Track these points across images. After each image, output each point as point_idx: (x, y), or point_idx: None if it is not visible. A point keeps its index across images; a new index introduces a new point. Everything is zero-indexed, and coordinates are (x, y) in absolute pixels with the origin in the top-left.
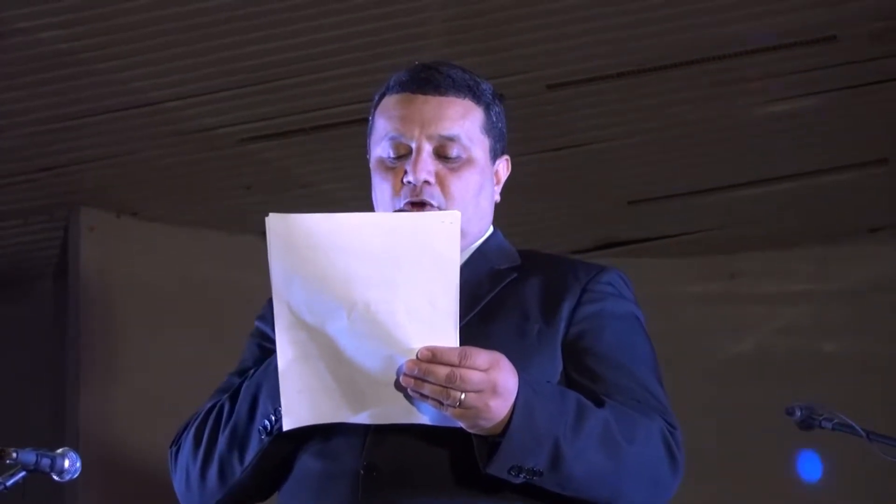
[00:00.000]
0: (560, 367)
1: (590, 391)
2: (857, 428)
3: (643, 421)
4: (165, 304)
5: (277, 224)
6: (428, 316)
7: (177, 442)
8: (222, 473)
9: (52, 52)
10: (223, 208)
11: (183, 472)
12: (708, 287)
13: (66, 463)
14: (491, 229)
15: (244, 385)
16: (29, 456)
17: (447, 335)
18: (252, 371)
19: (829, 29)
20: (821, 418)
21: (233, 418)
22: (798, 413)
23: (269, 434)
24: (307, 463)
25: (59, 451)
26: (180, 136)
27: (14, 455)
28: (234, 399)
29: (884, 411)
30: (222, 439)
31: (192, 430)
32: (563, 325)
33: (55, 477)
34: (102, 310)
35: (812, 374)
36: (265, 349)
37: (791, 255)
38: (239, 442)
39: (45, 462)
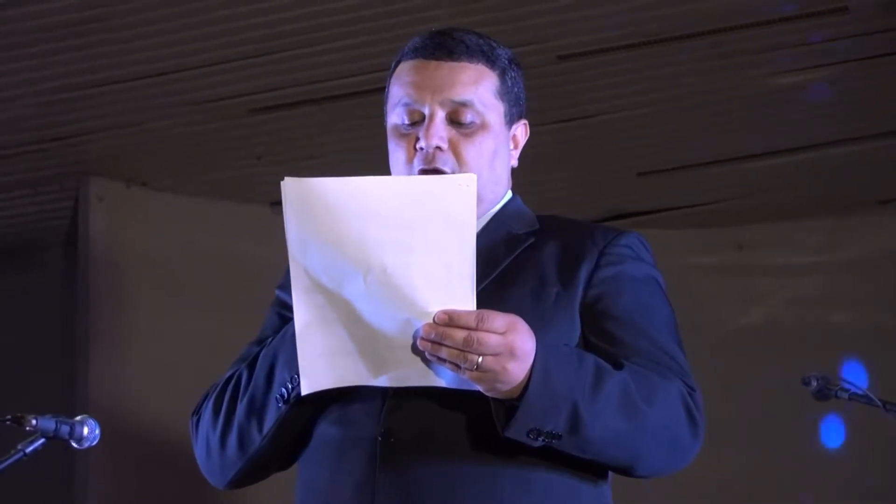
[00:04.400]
0: (578, 331)
1: (608, 354)
2: (873, 398)
3: (662, 383)
4: (174, 274)
5: (293, 188)
6: (444, 279)
7: (197, 412)
8: (242, 442)
9: (61, 21)
10: (232, 178)
11: (203, 442)
12: (717, 258)
13: (86, 430)
14: (509, 195)
15: (261, 354)
16: (48, 423)
17: (464, 298)
18: (270, 339)
19: (839, 0)
20: (836, 389)
21: (250, 387)
22: (814, 383)
23: (286, 402)
24: (325, 430)
25: (78, 418)
26: (190, 106)
27: (34, 422)
28: (251, 368)
29: (893, 382)
30: (241, 408)
31: (212, 399)
32: (581, 288)
33: (74, 444)
34: (111, 280)
35: (821, 346)
36: (285, 318)
37: (800, 227)
38: (257, 411)
39: (65, 429)
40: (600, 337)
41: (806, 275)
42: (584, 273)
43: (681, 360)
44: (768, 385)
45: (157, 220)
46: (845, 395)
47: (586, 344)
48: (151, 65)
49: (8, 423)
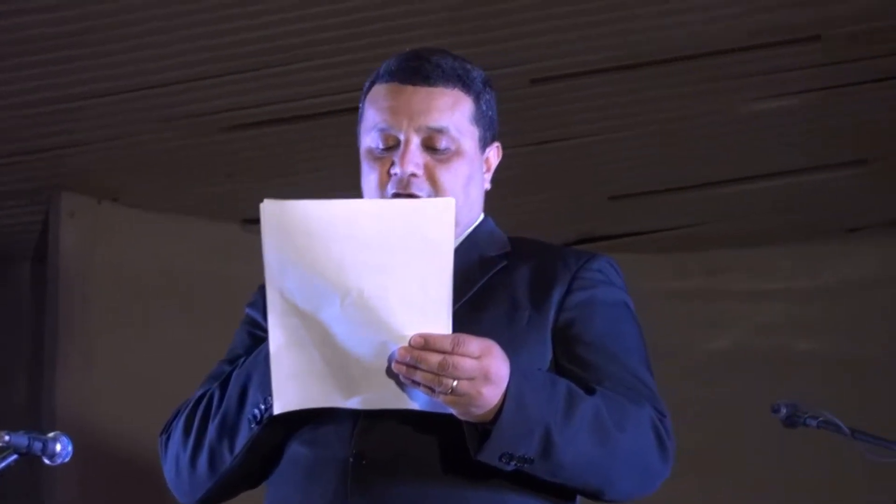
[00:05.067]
0: (550, 355)
1: (579, 378)
2: (842, 426)
3: (633, 409)
4: (145, 291)
5: (272, 210)
6: (421, 303)
7: (166, 430)
8: (212, 462)
9: (36, 35)
10: (205, 195)
11: (173, 461)
12: (686, 283)
13: (58, 447)
14: (482, 216)
15: (234, 374)
16: (21, 439)
17: (440, 322)
18: (242, 359)
19: (813, 29)
20: (806, 416)
21: (223, 407)
22: (783, 410)
23: (258, 423)
24: (296, 450)
25: (51, 434)
26: (164, 123)
27: (6, 438)
28: (223, 388)
29: (860, 410)
30: (212, 428)
31: (182, 418)
32: (552, 312)
33: (46, 460)
34: (81, 295)
35: (789, 373)
36: (255, 336)
37: (769, 253)
38: (229, 431)
39: (38, 445)
40: (572, 361)
41: (775, 301)
42: (556, 297)
43: (651, 385)
44: (736, 410)
45: (127, 236)
46: (814, 423)
47: (558, 367)
48: (126, 80)
49: None
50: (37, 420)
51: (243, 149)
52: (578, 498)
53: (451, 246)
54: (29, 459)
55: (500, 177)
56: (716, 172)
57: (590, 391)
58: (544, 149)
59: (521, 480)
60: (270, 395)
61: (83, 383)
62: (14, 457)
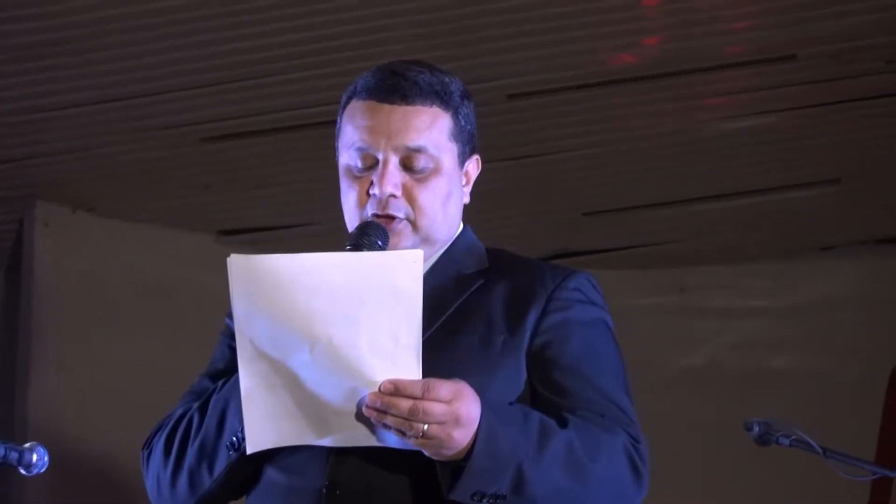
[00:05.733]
0: (524, 378)
1: (553, 404)
2: (814, 445)
3: (607, 438)
4: (119, 301)
5: (239, 265)
6: (391, 351)
7: (148, 445)
8: (192, 484)
9: (11, 45)
10: (180, 206)
11: (154, 478)
12: (659, 300)
13: (34, 457)
14: (461, 227)
15: (213, 399)
16: None
17: (410, 368)
18: (222, 381)
19: (788, 48)
20: (778, 434)
21: (202, 432)
22: (756, 429)
23: (235, 450)
24: (273, 477)
25: (27, 445)
26: (140, 133)
27: None
28: (203, 410)
29: (833, 428)
30: (191, 452)
31: (163, 438)
32: (528, 335)
33: (22, 470)
34: (54, 305)
35: (762, 390)
36: (234, 349)
37: (743, 271)
38: (208, 456)
39: (14, 456)
40: (546, 386)
41: (748, 319)
42: (531, 320)
43: (627, 408)
44: (708, 427)
45: (102, 246)
46: (786, 442)
47: (532, 391)
48: (102, 90)
49: None
50: (9, 429)
51: (219, 160)
52: None
53: (420, 294)
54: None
55: (476, 191)
56: (690, 190)
57: (562, 422)
58: (520, 164)
59: None
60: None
61: (56, 392)
62: None
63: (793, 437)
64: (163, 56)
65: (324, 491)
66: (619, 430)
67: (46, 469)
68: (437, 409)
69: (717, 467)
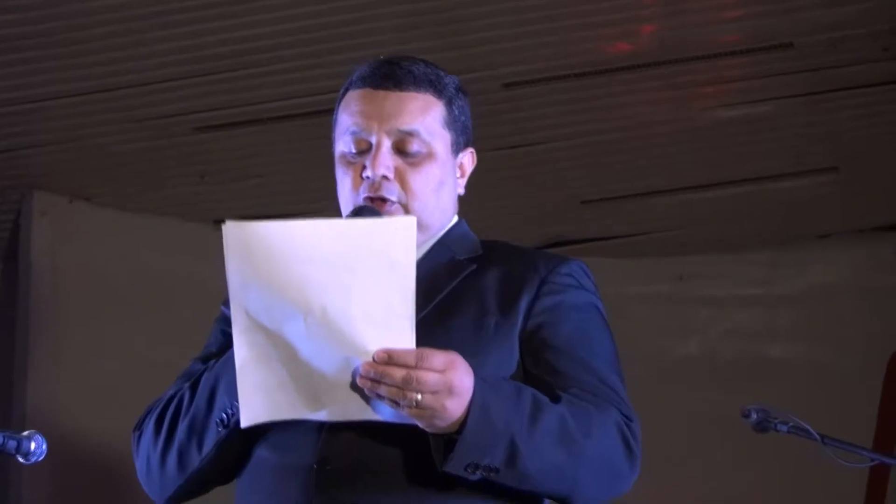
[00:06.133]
0: (517, 360)
1: (546, 384)
2: (812, 431)
3: (599, 414)
4: (116, 291)
5: (234, 232)
6: (384, 319)
7: (139, 427)
8: (181, 462)
9: (8, 35)
10: (177, 196)
11: (144, 459)
12: (657, 288)
13: (33, 445)
14: (455, 219)
15: (204, 376)
16: None
17: (404, 337)
18: (213, 361)
19: (786, 36)
20: (776, 421)
21: (192, 409)
22: (754, 416)
23: (225, 426)
24: (263, 455)
25: (26, 433)
26: (136, 123)
27: None
28: (193, 389)
29: (829, 416)
30: (181, 429)
31: (154, 417)
32: (521, 317)
33: (20, 459)
34: (52, 295)
35: (758, 378)
36: (228, 335)
37: (740, 259)
38: (198, 432)
39: (12, 444)
40: (539, 367)
41: (745, 307)
42: (524, 303)
43: (619, 389)
44: (705, 416)
45: (99, 236)
46: (784, 429)
47: (525, 373)
48: (98, 80)
49: None
50: (7, 419)
51: (214, 150)
52: (546, 502)
53: (413, 262)
54: None
55: (472, 180)
56: (687, 178)
57: (555, 398)
58: (516, 152)
59: (486, 489)
60: (237, 399)
61: (54, 382)
62: None
63: (791, 423)
64: (156, 46)
65: (315, 467)
66: (611, 409)
67: (45, 460)
68: (430, 378)
69: (714, 455)
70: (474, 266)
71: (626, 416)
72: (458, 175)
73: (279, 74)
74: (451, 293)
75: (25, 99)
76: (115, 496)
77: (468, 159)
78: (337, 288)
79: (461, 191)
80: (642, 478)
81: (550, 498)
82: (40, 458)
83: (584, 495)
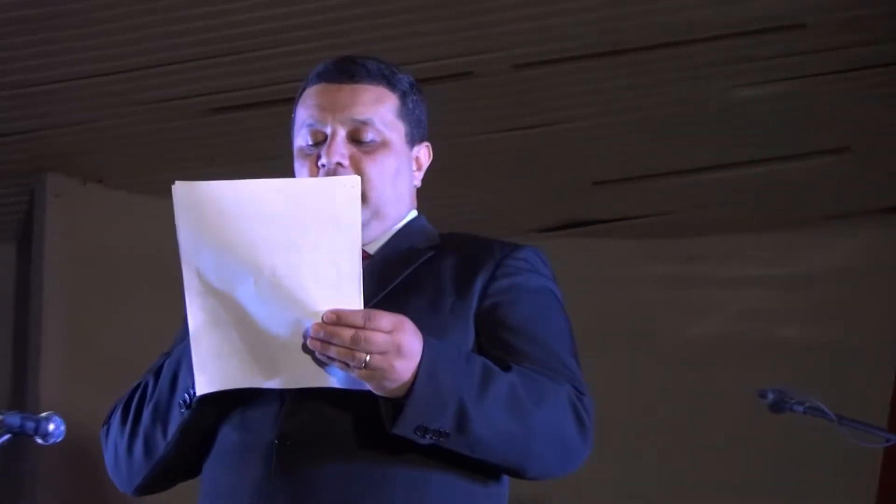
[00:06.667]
0: (472, 340)
1: (501, 361)
2: (828, 412)
3: (550, 385)
4: (129, 273)
5: (183, 192)
6: (333, 279)
7: (107, 421)
8: (147, 448)
9: (19, 17)
10: (189, 178)
11: (112, 449)
12: (668, 269)
13: (51, 426)
14: (414, 213)
15: (166, 362)
16: (13, 419)
17: (352, 298)
18: (175, 349)
19: (799, 16)
20: (792, 402)
21: (155, 394)
22: (770, 396)
23: (188, 407)
24: (227, 435)
25: (44, 414)
26: (147, 105)
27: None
28: (157, 376)
29: (843, 396)
30: (146, 415)
31: (121, 407)
32: (476, 298)
33: (39, 440)
34: (66, 277)
35: (770, 359)
36: None
37: (752, 240)
38: (162, 416)
39: (30, 425)
40: (494, 345)
41: (757, 288)
42: (479, 283)
43: (572, 366)
44: (717, 396)
45: (112, 218)
46: (800, 409)
47: (481, 352)
48: (110, 62)
49: None
50: (21, 401)
51: (226, 132)
52: (505, 479)
53: (359, 221)
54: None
55: (484, 161)
56: (699, 159)
57: (507, 369)
58: (528, 134)
59: (444, 458)
60: None
61: (68, 365)
62: (7, 436)
63: (807, 404)
64: (168, 27)
65: (275, 442)
66: (563, 381)
67: (60, 443)
68: (378, 338)
69: (726, 436)
70: (432, 253)
71: (577, 390)
72: (415, 168)
73: (292, 56)
74: (408, 277)
75: (38, 81)
76: None
77: (424, 153)
78: (286, 248)
79: (418, 183)
80: (653, 456)
81: (505, 471)
82: (58, 440)
83: (536, 466)
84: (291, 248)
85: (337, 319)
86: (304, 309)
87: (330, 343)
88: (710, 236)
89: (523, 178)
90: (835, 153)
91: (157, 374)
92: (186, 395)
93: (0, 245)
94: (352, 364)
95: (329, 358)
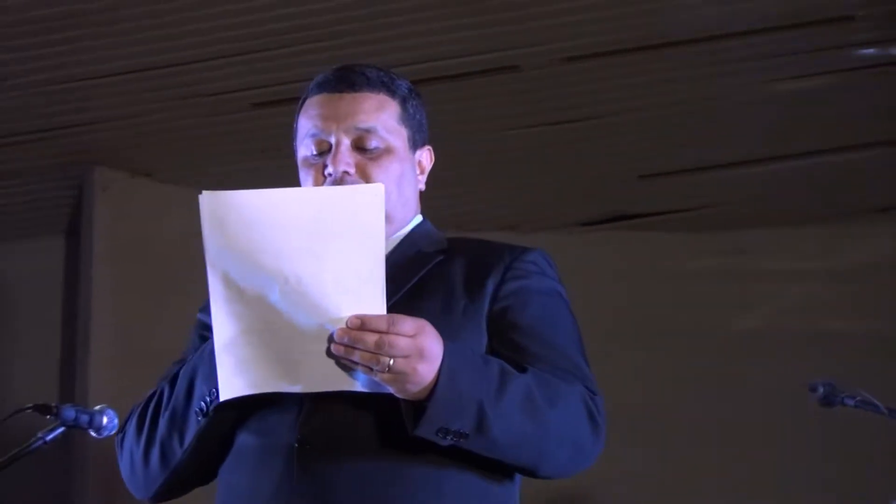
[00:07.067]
0: (485, 342)
1: (513, 362)
2: (879, 405)
3: (564, 386)
4: (176, 265)
5: (209, 201)
6: (356, 285)
7: (122, 429)
8: (164, 456)
9: (68, 11)
10: (235, 171)
11: (128, 458)
12: (716, 262)
13: (105, 420)
14: (419, 218)
15: (181, 371)
16: (69, 412)
17: (375, 303)
18: (189, 356)
19: (846, 9)
20: (843, 395)
21: (171, 402)
22: (821, 389)
23: (205, 414)
24: (245, 440)
25: (98, 407)
26: (195, 99)
27: (55, 410)
28: (172, 384)
29: (886, 389)
30: (162, 423)
31: (136, 416)
32: (487, 300)
33: (92, 433)
34: (114, 269)
35: (819, 352)
36: (205, 339)
37: (800, 233)
38: (178, 425)
39: (84, 418)
40: (506, 346)
41: (805, 281)
42: (490, 286)
43: (583, 366)
44: (766, 389)
45: (159, 211)
46: (851, 403)
47: (493, 354)
48: (158, 56)
49: (30, 411)
50: (70, 393)
51: (271, 125)
52: (518, 477)
53: (382, 229)
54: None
55: (531, 154)
56: (746, 152)
57: (522, 370)
58: (575, 127)
59: (461, 458)
60: (216, 386)
61: (116, 357)
62: (61, 429)
63: (858, 398)
64: (214, 22)
65: (295, 446)
66: (576, 382)
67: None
68: (401, 342)
69: (776, 429)
70: (441, 256)
71: (590, 391)
72: (418, 172)
73: (337, 50)
74: (419, 281)
75: (86, 75)
76: None
77: (426, 157)
78: (310, 255)
79: (422, 187)
80: (701, 448)
81: (519, 470)
82: (112, 433)
83: (550, 466)
84: (315, 255)
85: (361, 324)
86: (328, 315)
87: (354, 348)
88: (756, 229)
89: (569, 171)
90: (882, 146)
91: (173, 382)
92: (203, 402)
93: (49, 238)
94: (376, 368)
95: (353, 362)
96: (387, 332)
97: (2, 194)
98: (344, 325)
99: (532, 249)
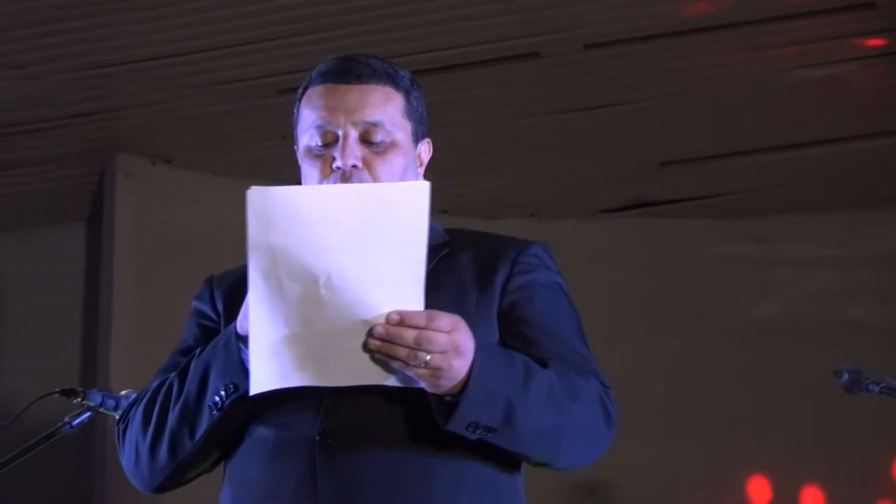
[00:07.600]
0: (497, 335)
1: (525, 354)
2: None
3: (581, 381)
4: (198, 252)
5: (256, 196)
6: (395, 282)
7: (124, 420)
8: (173, 449)
9: None
10: (256, 158)
11: (132, 449)
12: (737, 249)
13: None
14: None
15: (192, 363)
16: (95, 396)
17: (414, 299)
18: (199, 350)
19: None
20: (868, 381)
21: (182, 395)
22: (846, 375)
23: (219, 410)
24: (259, 433)
25: (123, 392)
26: (217, 86)
27: (81, 395)
28: (182, 376)
29: None
30: (172, 417)
31: (141, 407)
32: (497, 294)
33: (118, 417)
34: (135, 255)
35: (839, 339)
36: (203, 327)
37: (821, 220)
38: (189, 419)
39: (110, 403)
40: (517, 339)
41: (825, 268)
42: (499, 281)
43: (591, 359)
44: (784, 376)
45: (181, 198)
46: (876, 389)
47: (504, 346)
48: (179, 44)
49: (58, 395)
50: (91, 378)
51: (293, 113)
52: (523, 468)
53: (426, 226)
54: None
55: (552, 141)
56: (767, 139)
57: (543, 365)
58: (595, 114)
59: (480, 451)
60: (231, 382)
61: (137, 342)
62: (88, 413)
63: (883, 384)
64: (237, 9)
65: (317, 440)
66: (590, 377)
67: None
68: (439, 338)
69: (797, 415)
70: (446, 250)
71: (603, 384)
72: (418, 164)
73: (359, 37)
74: (429, 275)
75: (108, 63)
76: None
77: (425, 149)
78: (351, 251)
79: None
80: (718, 436)
81: (536, 461)
82: None
83: (567, 458)
84: (357, 251)
85: (400, 320)
86: (367, 310)
87: (394, 343)
88: (778, 216)
89: (590, 158)
90: None
91: (182, 374)
92: (217, 397)
93: (70, 224)
94: (413, 363)
95: (390, 357)
96: (425, 328)
97: (24, 181)
98: (383, 321)
99: (534, 243)
